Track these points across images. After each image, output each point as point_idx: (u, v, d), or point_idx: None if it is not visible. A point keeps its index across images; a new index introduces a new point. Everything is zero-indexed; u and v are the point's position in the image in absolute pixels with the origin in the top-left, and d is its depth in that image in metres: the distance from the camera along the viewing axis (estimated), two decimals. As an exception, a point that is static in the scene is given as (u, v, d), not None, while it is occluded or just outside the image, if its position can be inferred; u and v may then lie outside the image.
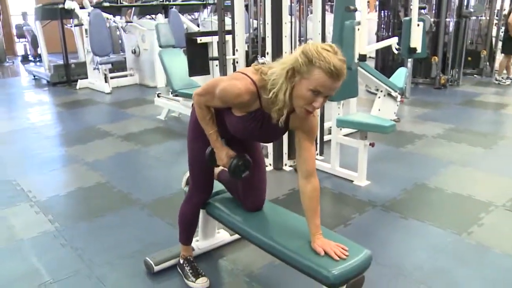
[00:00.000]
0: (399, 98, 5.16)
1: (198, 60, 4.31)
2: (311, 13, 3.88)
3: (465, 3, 7.24)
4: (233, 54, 3.87)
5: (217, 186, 2.35)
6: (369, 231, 2.80)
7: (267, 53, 3.61)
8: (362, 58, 2.86)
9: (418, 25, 3.19)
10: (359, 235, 2.74)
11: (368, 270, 2.25)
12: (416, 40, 3.20)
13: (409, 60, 6.47)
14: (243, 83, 1.73)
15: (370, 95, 6.37)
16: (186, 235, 2.33)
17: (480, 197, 3.20)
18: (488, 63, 7.99)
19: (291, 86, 1.62)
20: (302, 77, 1.59)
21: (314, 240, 1.79)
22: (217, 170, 2.32)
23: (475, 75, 8.06)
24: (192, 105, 2.01)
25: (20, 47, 12.98)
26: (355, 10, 2.82)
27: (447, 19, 7.14)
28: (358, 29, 2.79)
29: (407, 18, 3.20)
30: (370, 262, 1.77)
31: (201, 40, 4.39)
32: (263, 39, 3.79)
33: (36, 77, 8.93)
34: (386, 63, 7.30)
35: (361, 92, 6.61)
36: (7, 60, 11.66)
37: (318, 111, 3.65)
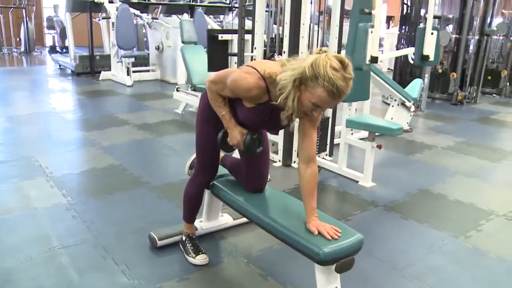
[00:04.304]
0: (412, 109, 5.23)
1: (218, 56, 4.44)
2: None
3: (488, 21, 7.25)
4: (252, 51, 4.01)
5: (222, 170, 2.46)
6: (369, 227, 2.86)
7: (284, 52, 3.73)
8: (374, 60, 2.94)
9: (432, 33, 3.26)
10: (358, 230, 2.75)
11: (363, 261, 2.34)
12: (429, 48, 3.27)
13: (426, 75, 6.51)
14: (253, 78, 1.82)
15: (385, 106, 6.41)
16: (189, 214, 2.43)
17: (482, 206, 3.24)
18: (508, 83, 7.96)
19: (298, 94, 1.70)
20: (306, 88, 1.68)
21: (309, 221, 1.88)
22: (221, 155, 2.43)
23: (494, 95, 8.04)
24: (205, 90, 2.12)
25: (49, 38, 13.37)
26: (370, 13, 2.92)
27: (469, 36, 7.16)
28: (372, 32, 2.88)
29: (421, 26, 3.28)
30: (361, 245, 1.84)
31: (222, 37, 4.52)
32: (281, 39, 3.92)
33: (61, 67, 9.23)
34: (404, 77, 7.33)
35: (376, 102, 6.71)
36: (35, 50, 12.03)
37: (329, 112, 3.72)
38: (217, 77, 1.98)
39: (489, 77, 7.93)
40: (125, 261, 2.37)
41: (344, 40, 4.04)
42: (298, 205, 2.05)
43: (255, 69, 1.85)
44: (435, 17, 3.45)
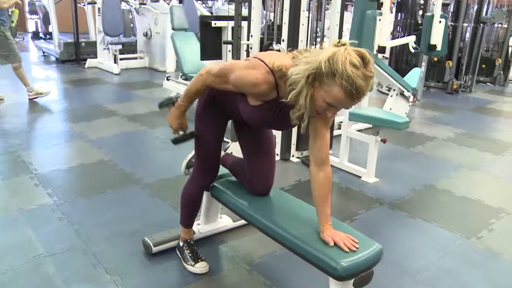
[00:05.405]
0: (411, 99, 5.07)
1: (211, 44, 4.23)
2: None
3: (485, 9, 7.11)
4: (247, 39, 3.79)
5: (222, 170, 2.27)
6: (376, 228, 2.72)
7: (283, 40, 3.52)
8: (381, 50, 2.77)
9: (440, 21, 3.09)
10: (365, 232, 2.60)
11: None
12: (437, 37, 3.11)
13: (423, 63, 6.37)
14: (261, 72, 1.61)
15: (381, 95, 6.27)
16: (188, 217, 2.25)
17: (490, 203, 3.12)
18: (502, 72, 7.86)
19: (312, 91, 1.50)
20: (321, 86, 1.47)
21: (323, 230, 1.70)
22: (222, 154, 2.25)
23: (488, 83, 7.94)
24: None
25: (32, 23, 12.90)
26: (377, 0, 2.73)
27: (465, 24, 7.02)
28: (380, 20, 2.70)
29: (429, 14, 3.10)
30: (380, 256, 1.69)
31: (215, 24, 4.30)
32: (279, 26, 3.71)
33: (45, 54, 8.89)
34: (400, 65, 7.18)
35: (372, 92, 6.54)
36: (17, 35, 11.60)
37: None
38: (220, 70, 1.75)
39: (484, 66, 7.82)
40: (117, 270, 2.18)
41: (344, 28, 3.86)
42: (308, 210, 1.89)
43: (262, 61, 1.65)
44: (443, 5, 3.27)
